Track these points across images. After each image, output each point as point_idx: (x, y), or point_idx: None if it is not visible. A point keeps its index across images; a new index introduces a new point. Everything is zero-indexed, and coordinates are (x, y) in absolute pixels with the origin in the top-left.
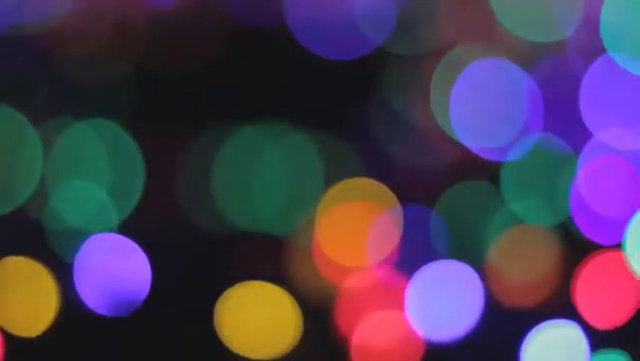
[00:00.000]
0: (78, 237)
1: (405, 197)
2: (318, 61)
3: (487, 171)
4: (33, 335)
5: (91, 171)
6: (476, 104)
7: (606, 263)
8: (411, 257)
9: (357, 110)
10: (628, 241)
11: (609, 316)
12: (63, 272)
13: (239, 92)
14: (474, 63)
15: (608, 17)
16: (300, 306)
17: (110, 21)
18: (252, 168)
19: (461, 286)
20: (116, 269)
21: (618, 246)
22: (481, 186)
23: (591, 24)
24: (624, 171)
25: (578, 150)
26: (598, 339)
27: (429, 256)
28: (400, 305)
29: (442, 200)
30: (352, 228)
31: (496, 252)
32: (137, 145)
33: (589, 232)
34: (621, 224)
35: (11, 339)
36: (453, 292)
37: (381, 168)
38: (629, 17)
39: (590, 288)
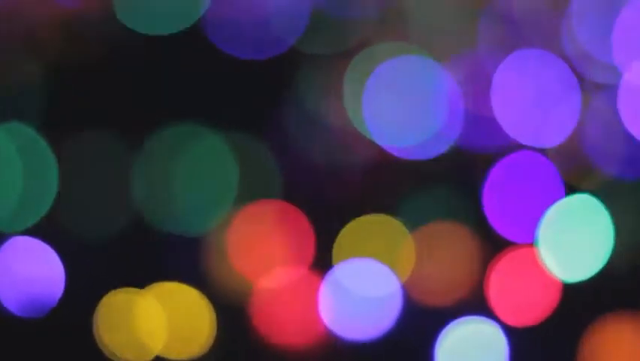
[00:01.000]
0: None
1: (319, 196)
2: (231, 61)
3: (402, 170)
4: None
5: (3, 173)
6: (390, 103)
7: (519, 260)
8: (326, 256)
9: (271, 110)
10: (540, 238)
11: (524, 313)
12: None
13: (153, 93)
14: (388, 61)
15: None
16: (215, 306)
17: (20, 21)
18: (167, 168)
19: (377, 285)
20: (29, 271)
21: (531, 243)
22: (396, 184)
23: (503, 21)
24: (537, 168)
25: (491, 147)
26: (516, 336)
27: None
28: (316, 304)
29: (357, 199)
30: (267, 227)
31: (410, 250)
32: (50, 147)
33: (503, 229)
34: (534, 221)
35: None
36: (368, 291)
37: (295, 168)
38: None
39: (504, 285)
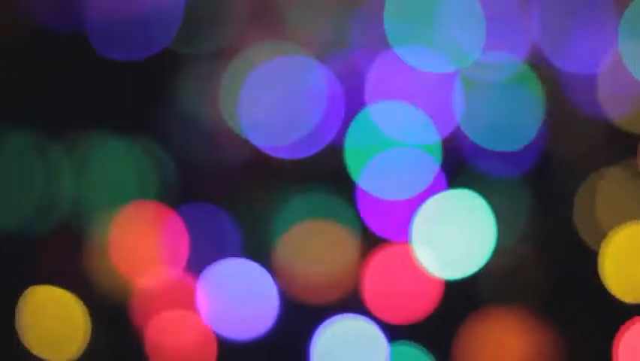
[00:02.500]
0: None
1: (196, 196)
2: (105, 62)
3: (277, 169)
4: None
5: None
6: (265, 102)
7: (395, 258)
8: (202, 256)
9: (146, 111)
10: (414, 235)
11: (402, 310)
12: None
13: (29, 96)
14: (264, 61)
15: (391, 13)
16: (93, 308)
17: None
18: (46, 170)
19: (252, 284)
20: None
21: (406, 240)
22: (271, 184)
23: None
24: (413, 165)
25: (367, 145)
26: (395, 334)
27: (219, 254)
28: (194, 304)
29: (233, 199)
30: (142, 229)
31: (285, 249)
32: None
33: (378, 228)
34: (408, 218)
35: None
36: (244, 290)
37: (172, 168)
38: (412, 12)
39: (379, 283)
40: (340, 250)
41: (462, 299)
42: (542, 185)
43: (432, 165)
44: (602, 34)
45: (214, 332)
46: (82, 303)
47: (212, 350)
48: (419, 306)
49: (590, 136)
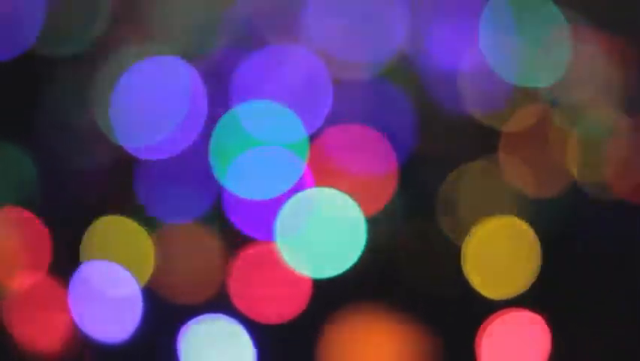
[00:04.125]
0: None
1: (60, 199)
2: None
3: (143, 170)
4: None
5: None
6: (131, 103)
7: (260, 257)
8: (68, 259)
9: (11, 114)
10: (280, 234)
11: (269, 309)
12: None
13: None
14: (131, 63)
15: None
16: None
17: None
18: None
19: (118, 287)
20: None
21: (272, 239)
22: (137, 185)
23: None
24: (276, 164)
25: (232, 145)
26: (263, 333)
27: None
28: (60, 308)
29: (98, 200)
30: (8, 231)
31: (152, 250)
32: None
33: (243, 226)
34: (274, 217)
35: None
36: (110, 293)
37: (36, 171)
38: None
39: (246, 282)
40: (206, 250)
41: (330, 298)
42: (408, 182)
43: (298, 164)
44: (464, 32)
45: (82, 334)
46: None
47: (80, 351)
48: (287, 305)
49: (453, 132)
